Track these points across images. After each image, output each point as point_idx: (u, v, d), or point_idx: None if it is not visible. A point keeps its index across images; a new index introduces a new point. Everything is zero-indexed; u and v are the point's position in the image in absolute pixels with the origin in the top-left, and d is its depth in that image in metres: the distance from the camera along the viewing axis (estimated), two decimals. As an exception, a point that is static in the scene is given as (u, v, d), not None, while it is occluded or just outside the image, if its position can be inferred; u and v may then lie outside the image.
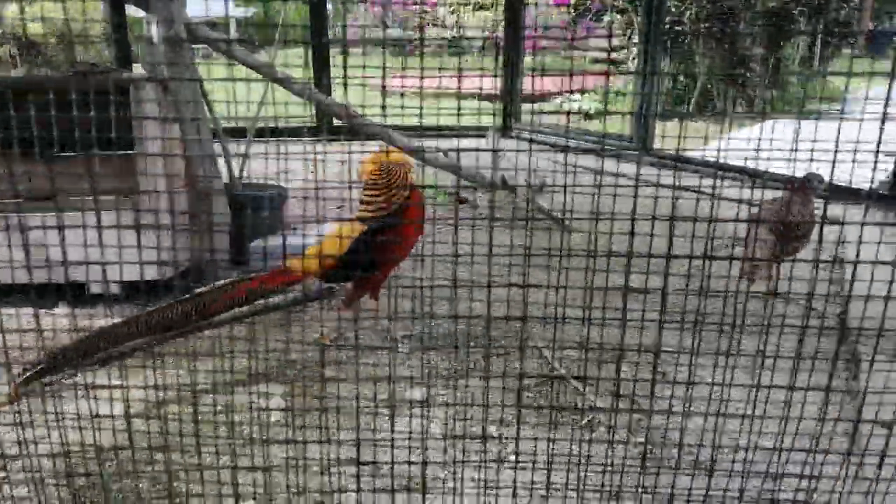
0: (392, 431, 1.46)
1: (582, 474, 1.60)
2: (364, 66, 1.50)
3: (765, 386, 1.34)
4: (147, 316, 2.25)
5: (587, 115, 7.88)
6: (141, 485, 1.79)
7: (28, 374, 2.02)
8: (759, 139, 1.51)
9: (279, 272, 2.45)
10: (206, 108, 3.26)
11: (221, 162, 3.43)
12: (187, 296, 2.34)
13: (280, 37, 3.55)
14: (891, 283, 1.32)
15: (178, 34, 2.89)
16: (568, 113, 6.30)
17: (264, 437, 1.86)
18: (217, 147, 3.43)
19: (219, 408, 2.03)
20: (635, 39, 7.37)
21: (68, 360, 2.11)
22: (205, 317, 2.37)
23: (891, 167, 4.34)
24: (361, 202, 2.49)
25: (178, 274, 3.05)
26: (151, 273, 2.71)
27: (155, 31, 2.98)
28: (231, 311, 2.51)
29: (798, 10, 7.45)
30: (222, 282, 2.42)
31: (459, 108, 1.46)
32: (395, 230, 2.45)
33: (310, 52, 6.25)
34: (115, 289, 2.85)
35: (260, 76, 3.18)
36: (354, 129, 3.66)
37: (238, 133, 3.92)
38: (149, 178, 2.81)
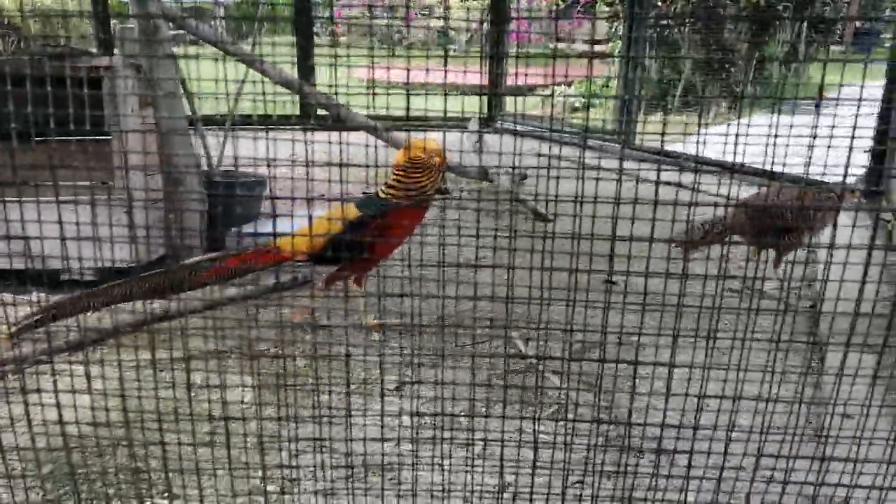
0: (348, 412, 1.48)
1: (546, 457, 1.63)
2: (348, 56, 1.49)
3: (714, 367, 1.37)
4: (138, 281, 2.30)
5: (573, 108, 7.90)
6: (109, 466, 1.81)
7: (25, 322, 2.08)
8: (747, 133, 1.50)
9: (267, 251, 2.45)
10: (182, 93, 3.25)
11: (200, 150, 3.43)
12: (177, 265, 2.38)
13: (259, 24, 3.54)
14: (865, 272, 1.35)
15: (154, 16, 2.88)
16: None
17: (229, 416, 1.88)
18: (195, 135, 3.43)
19: (181, 390, 2.05)
20: (621, 32, 7.38)
21: (62, 314, 2.17)
22: (192, 287, 2.40)
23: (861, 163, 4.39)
24: (388, 185, 2.50)
25: (154, 260, 3.06)
26: (126, 259, 2.71)
27: (132, 13, 2.97)
28: (210, 294, 2.54)
29: (782, 5, 7.49)
30: (212, 255, 2.44)
31: (446, 99, 1.47)
32: (393, 219, 2.45)
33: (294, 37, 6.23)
34: (88, 274, 2.84)
35: (225, 55, 3.17)
36: (338, 118, 3.66)
37: (218, 121, 3.92)
38: (123, 163, 2.81)
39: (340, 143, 1.42)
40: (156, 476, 1.80)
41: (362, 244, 2.41)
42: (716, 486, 1.39)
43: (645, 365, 1.37)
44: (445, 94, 1.37)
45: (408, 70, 1.36)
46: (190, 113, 3.41)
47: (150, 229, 2.95)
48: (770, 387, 1.32)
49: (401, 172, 2.47)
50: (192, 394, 2.06)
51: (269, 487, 1.76)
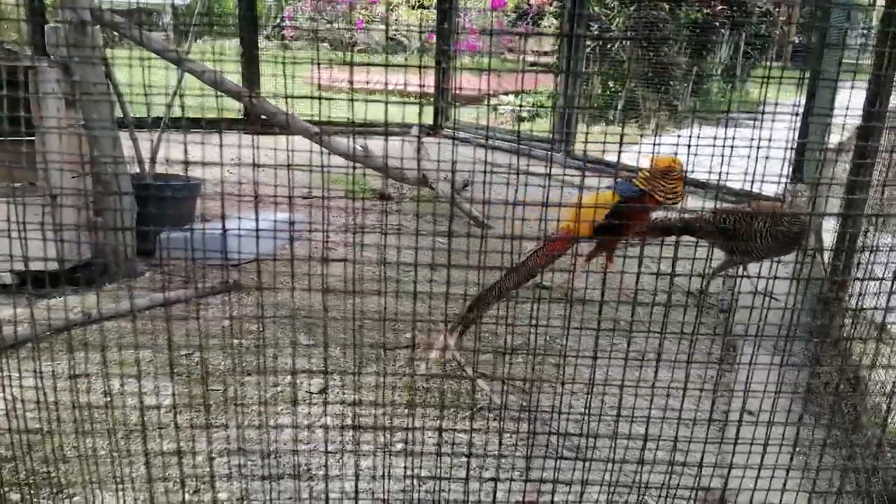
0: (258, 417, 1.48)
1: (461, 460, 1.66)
2: (288, 59, 1.47)
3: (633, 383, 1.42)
4: (526, 263, 2.47)
5: (520, 118, 8.02)
6: (22, 473, 1.76)
7: (456, 326, 2.23)
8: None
9: (563, 235, 2.58)
10: (112, 94, 3.19)
11: (131, 152, 3.37)
12: (521, 261, 2.52)
13: (199, 25, 3.51)
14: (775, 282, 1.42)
15: (83, 18, 2.83)
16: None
17: (151, 427, 1.86)
18: (127, 137, 3.36)
19: (108, 398, 2.01)
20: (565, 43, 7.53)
21: (480, 310, 2.32)
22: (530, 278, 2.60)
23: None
24: (661, 189, 2.69)
25: (81, 264, 2.99)
26: (50, 263, 2.64)
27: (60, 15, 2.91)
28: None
29: (720, 21, 7.77)
30: (532, 249, 2.58)
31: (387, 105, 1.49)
32: (642, 205, 2.74)
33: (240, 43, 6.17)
34: (8, 278, 2.76)
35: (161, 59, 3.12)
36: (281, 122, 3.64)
37: (152, 123, 3.85)
38: (49, 164, 2.75)
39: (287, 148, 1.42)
40: (69, 482, 1.76)
41: (622, 223, 2.69)
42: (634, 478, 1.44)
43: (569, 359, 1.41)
44: (405, 100, 1.39)
45: (352, 73, 1.37)
46: (121, 115, 3.35)
47: (77, 230, 2.88)
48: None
49: (657, 177, 2.67)
50: (109, 399, 2.03)
51: (187, 495, 1.74)
